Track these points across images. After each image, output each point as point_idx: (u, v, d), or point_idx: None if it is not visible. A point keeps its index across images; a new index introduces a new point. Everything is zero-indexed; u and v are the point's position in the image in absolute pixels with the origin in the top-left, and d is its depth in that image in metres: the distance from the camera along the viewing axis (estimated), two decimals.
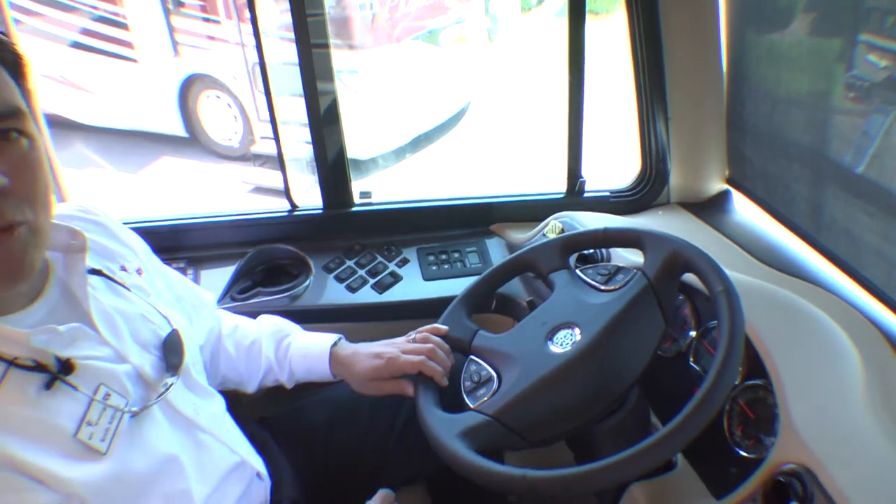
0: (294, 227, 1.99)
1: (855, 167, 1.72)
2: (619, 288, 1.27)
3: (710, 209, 1.96)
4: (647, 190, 2.00)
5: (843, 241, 1.62)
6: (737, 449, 1.23)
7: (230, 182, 5.95)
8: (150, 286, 1.26)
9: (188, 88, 6.21)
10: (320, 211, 2.00)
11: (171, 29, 6.09)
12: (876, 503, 0.97)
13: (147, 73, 6.24)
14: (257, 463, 1.30)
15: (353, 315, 1.82)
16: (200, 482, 1.14)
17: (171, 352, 1.17)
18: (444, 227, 2.02)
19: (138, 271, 1.25)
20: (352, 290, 1.84)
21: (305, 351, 1.45)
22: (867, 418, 1.11)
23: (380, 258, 1.91)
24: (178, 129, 6.39)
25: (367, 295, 1.84)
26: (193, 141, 6.40)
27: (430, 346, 1.36)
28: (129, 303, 1.16)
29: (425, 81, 6.04)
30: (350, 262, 1.90)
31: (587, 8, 1.81)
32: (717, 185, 2.00)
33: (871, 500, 0.97)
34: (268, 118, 1.85)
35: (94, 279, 1.11)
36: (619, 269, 1.33)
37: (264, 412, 1.55)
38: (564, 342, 1.22)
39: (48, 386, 0.95)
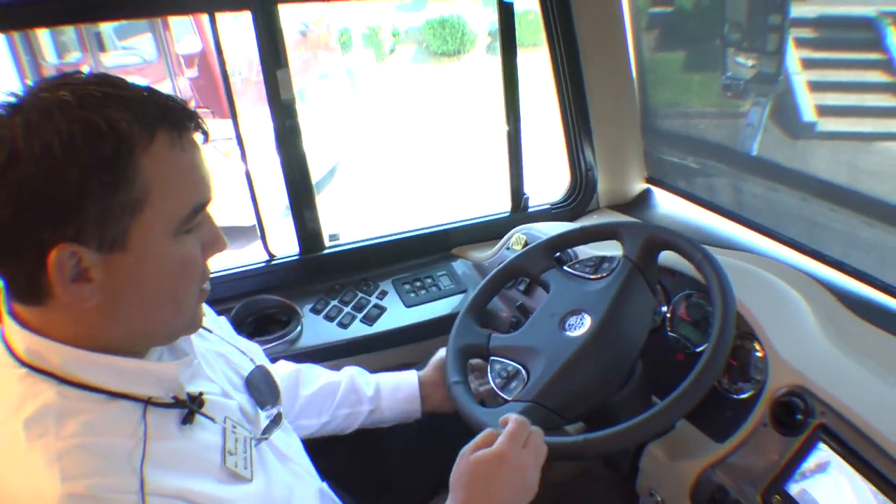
0: (274, 276, 2.08)
1: (750, 151, 2.04)
2: (609, 274, 1.48)
3: (637, 207, 2.25)
4: (580, 198, 2.27)
5: (762, 211, 1.92)
6: (729, 395, 1.46)
7: None
8: (218, 328, 1.29)
9: None
10: (297, 257, 2.11)
11: None
12: (858, 400, 1.22)
13: None
14: (327, 489, 1.34)
15: (353, 349, 1.93)
16: None
17: (254, 389, 1.19)
18: (410, 257, 2.18)
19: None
20: (343, 326, 1.96)
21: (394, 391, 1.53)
22: (829, 345, 1.39)
23: (360, 294, 2.04)
24: None
25: (359, 329, 1.96)
26: None
27: None
28: (212, 344, 1.20)
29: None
30: (334, 302, 2.02)
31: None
32: (639, 186, 2.29)
33: (854, 400, 1.22)
34: None
35: None
36: (602, 259, 1.54)
37: None
38: (577, 326, 1.41)
39: (186, 420, 0.97)
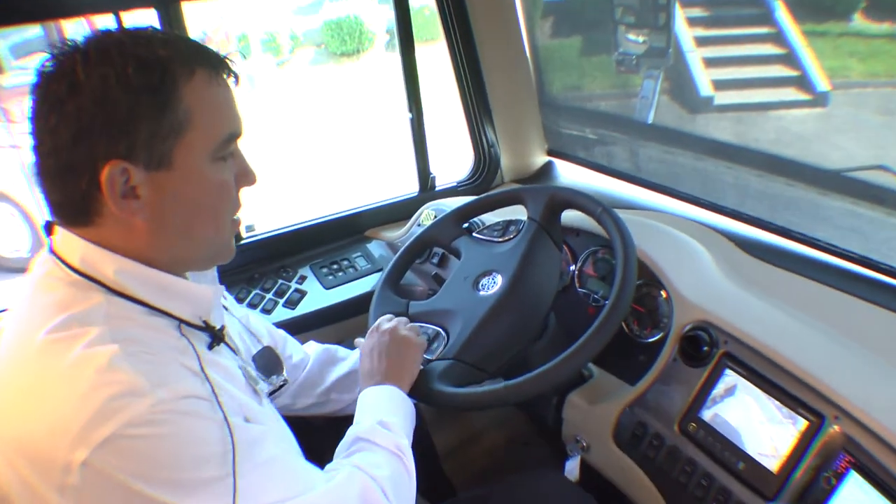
0: None
1: (646, 120, 2.15)
2: (515, 236, 1.55)
3: (540, 179, 2.34)
4: (485, 175, 2.34)
5: (660, 172, 2.03)
6: (640, 339, 1.57)
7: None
8: (239, 313, 1.38)
9: None
10: None
11: None
12: (756, 327, 1.33)
13: None
14: None
15: None
16: None
17: (259, 363, 1.28)
18: (326, 242, 2.20)
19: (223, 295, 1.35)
20: (267, 312, 1.97)
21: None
22: (728, 283, 1.50)
23: (281, 280, 2.06)
24: None
25: (282, 313, 1.97)
26: None
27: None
28: (230, 320, 1.26)
29: None
30: (256, 290, 2.03)
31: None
32: (541, 159, 2.37)
33: (753, 327, 1.33)
34: None
35: None
36: (509, 223, 1.61)
37: None
38: (489, 286, 1.48)
39: (212, 346, 1.06)
